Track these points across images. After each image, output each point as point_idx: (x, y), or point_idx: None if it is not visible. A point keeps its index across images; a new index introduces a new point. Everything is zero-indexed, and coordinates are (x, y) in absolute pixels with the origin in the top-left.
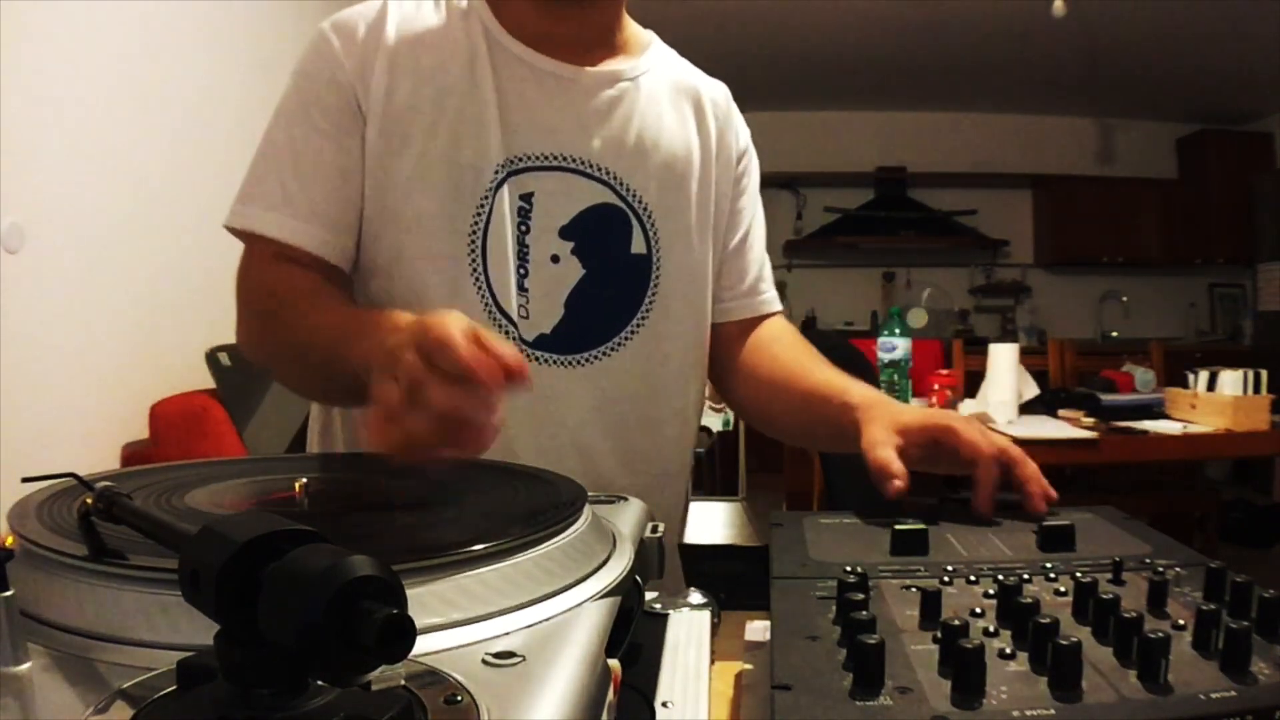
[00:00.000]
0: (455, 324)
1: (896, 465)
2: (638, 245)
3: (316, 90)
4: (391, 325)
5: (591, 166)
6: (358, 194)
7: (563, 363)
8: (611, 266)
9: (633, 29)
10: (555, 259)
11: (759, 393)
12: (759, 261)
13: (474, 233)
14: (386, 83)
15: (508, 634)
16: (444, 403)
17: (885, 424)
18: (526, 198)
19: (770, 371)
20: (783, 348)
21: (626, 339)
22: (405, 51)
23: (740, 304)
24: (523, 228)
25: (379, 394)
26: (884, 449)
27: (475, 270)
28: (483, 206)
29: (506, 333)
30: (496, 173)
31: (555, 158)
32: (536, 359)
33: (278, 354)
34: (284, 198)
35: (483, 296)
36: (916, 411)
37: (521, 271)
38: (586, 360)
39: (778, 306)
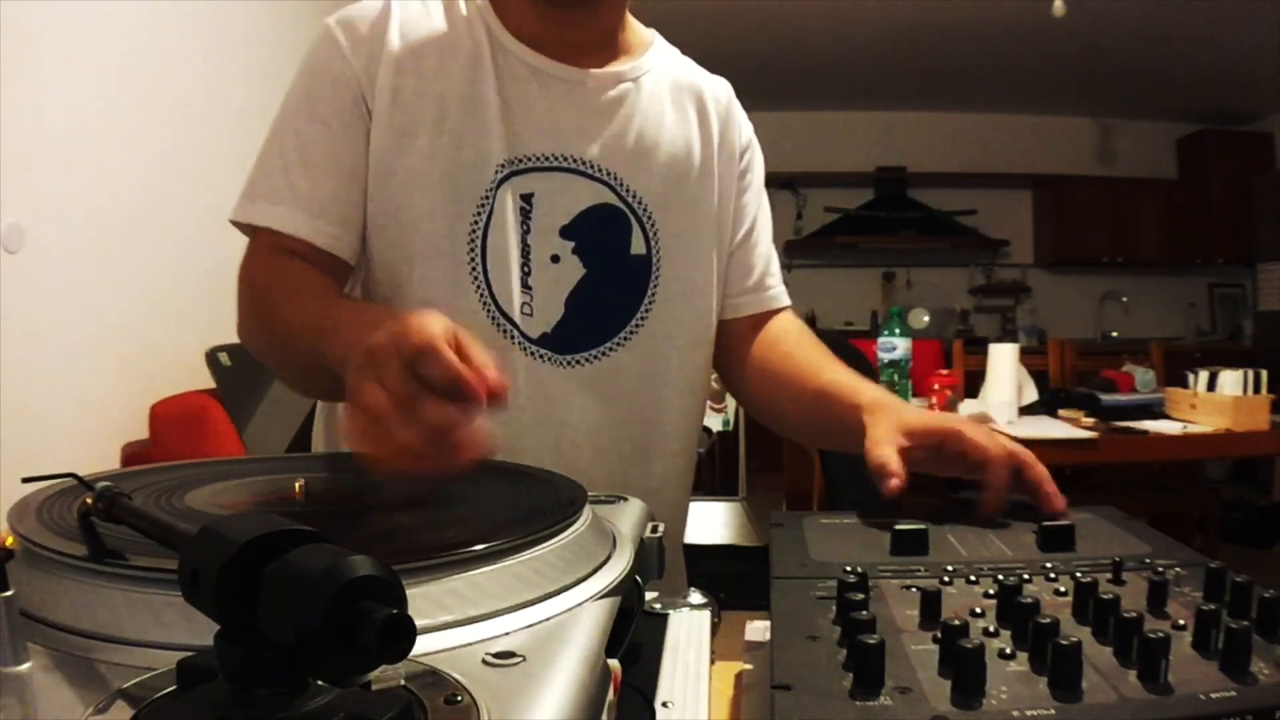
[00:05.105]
0: (436, 327)
1: (894, 464)
2: (637, 246)
3: (323, 86)
4: (369, 321)
5: (592, 167)
6: (362, 190)
7: (564, 362)
8: (611, 267)
9: (635, 29)
10: (555, 259)
11: (768, 390)
12: (765, 256)
13: (474, 232)
14: (392, 81)
15: (508, 634)
16: (437, 417)
17: (889, 424)
18: (527, 198)
19: (780, 369)
20: (792, 345)
21: (625, 339)
22: (409, 51)
23: (747, 299)
24: (524, 227)
25: (362, 399)
26: (884, 447)
27: (475, 270)
28: (483, 206)
29: (506, 333)
30: (497, 172)
31: (556, 158)
32: (540, 357)
33: (267, 346)
34: (290, 192)
35: (482, 296)
36: (923, 414)
37: (525, 270)
38: (586, 360)
39: (785, 301)
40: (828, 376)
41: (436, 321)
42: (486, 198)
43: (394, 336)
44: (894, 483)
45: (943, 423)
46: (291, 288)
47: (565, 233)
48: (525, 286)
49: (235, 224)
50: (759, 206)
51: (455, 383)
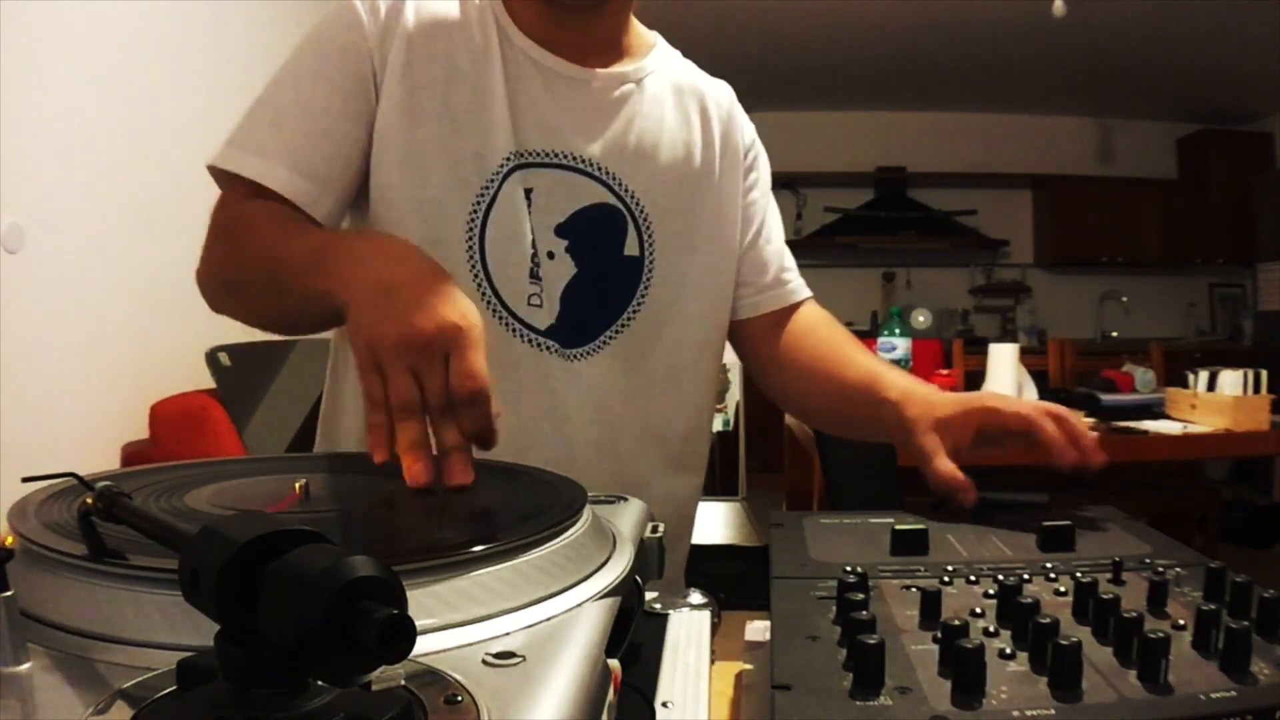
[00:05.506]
0: (481, 357)
1: (960, 477)
2: (631, 247)
3: (337, 53)
4: (388, 257)
5: (592, 166)
6: (355, 161)
7: (564, 355)
8: (602, 267)
9: (638, 31)
10: (550, 255)
11: (796, 386)
12: (778, 252)
13: (472, 221)
14: (403, 61)
15: (508, 634)
16: (453, 442)
17: (928, 425)
18: (527, 193)
19: (806, 364)
20: (817, 339)
21: (609, 339)
22: (422, 34)
23: (766, 297)
24: (529, 220)
25: (389, 393)
26: (941, 461)
27: (473, 258)
28: (483, 196)
29: (506, 324)
30: (503, 165)
31: (556, 155)
32: (546, 349)
33: (239, 277)
34: (277, 145)
35: (479, 285)
36: (951, 400)
37: (534, 262)
38: (578, 356)
39: (806, 293)
40: (851, 372)
41: (478, 343)
42: (487, 188)
43: (426, 346)
44: (970, 496)
45: (972, 404)
46: (278, 218)
47: (560, 231)
48: (534, 278)
49: (212, 170)
50: (767, 205)
51: (486, 436)
